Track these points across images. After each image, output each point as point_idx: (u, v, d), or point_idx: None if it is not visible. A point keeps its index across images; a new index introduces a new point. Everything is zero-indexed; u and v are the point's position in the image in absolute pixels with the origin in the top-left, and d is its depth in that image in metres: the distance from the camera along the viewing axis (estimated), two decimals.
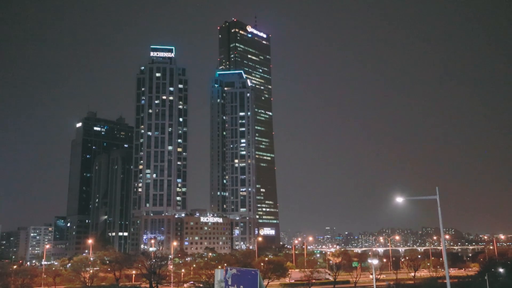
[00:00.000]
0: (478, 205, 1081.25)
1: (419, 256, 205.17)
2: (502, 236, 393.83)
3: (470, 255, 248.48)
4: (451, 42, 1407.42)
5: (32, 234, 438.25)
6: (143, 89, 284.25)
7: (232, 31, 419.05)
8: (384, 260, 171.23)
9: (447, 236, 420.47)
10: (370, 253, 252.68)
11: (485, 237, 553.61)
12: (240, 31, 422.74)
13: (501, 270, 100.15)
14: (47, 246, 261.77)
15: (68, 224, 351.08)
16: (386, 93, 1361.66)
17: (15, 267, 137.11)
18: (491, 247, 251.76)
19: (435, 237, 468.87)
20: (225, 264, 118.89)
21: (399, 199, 33.62)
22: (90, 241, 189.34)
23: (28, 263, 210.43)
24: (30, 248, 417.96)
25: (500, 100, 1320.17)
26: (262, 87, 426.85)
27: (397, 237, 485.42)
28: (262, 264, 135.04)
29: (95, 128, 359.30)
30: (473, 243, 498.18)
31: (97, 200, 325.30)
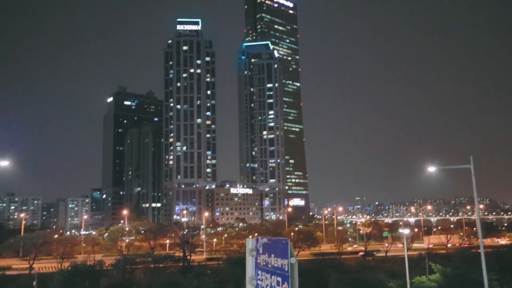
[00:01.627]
0: None
1: (452, 226, 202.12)
2: None
3: (506, 224, 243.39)
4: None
5: (70, 206, 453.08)
6: (170, 63, 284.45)
7: (258, 1, 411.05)
8: (416, 229, 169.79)
9: (481, 206, 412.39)
10: (401, 223, 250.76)
11: None
12: (266, 1, 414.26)
13: None
14: (85, 217, 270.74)
15: (104, 196, 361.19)
16: (415, 64, 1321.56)
17: (56, 236, 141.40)
18: None
19: (468, 207, 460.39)
20: (256, 234, 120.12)
21: (432, 169, 32.93)
22: (125, 212, 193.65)
23: (68, 232, 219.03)
24: (69, 219, 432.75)
25: None
26: (289, 58, 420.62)
27: (429, 207, 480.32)
28: (292, 234, 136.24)
29: (126, 103, 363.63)
30: (509, 213, 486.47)
31: (130, 173, 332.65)
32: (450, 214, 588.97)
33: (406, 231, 65.83)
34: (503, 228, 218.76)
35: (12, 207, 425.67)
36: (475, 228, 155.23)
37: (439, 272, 70.18)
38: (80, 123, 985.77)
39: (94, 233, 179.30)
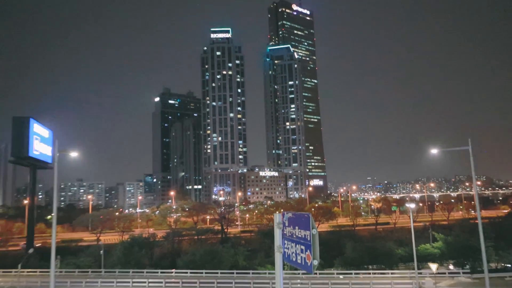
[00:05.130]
0: (509, 153, 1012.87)
1: (452, 201, 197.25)
2: None
3: (501, 198, 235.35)
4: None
5: (127, 188, 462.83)
6: (206, 66, 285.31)
7: (279, 10, 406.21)
8: (420, 204, 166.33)
9: (478, 182, 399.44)
10: (407, 198, 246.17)
11: None
12: (287, 10, 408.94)
13: None
14: (140, 198, 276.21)
15: (154, 180, 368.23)
16: (419, 60, 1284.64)
17: (117, 213, 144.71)
18: None
19: (467, 183, 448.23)
20: (282, 210, 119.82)
21: (434, 151, 32.16)
22: (172, 193, 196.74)
23: (126, 210, 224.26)
24: (127, 199, 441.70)
25: None
26: (307, 58, 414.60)
27: (432, 184, 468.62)
28: (312, 209, 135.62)
29: (170, 101, 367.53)
30: (503, 188, 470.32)
31: (175, 160, 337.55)
32: (451, 190, 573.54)
33: (412, 206, 64.65)
34: (499, 201, 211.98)
35: (81, 190, 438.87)
36: (473, 202, 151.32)
37: (441, 240, 68.88)
38: (134, 119, 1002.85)
39: (147, 211, 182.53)
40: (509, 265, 64.39)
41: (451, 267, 63.70)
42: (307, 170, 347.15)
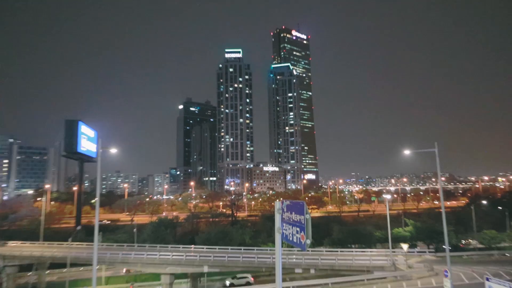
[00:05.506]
0: (468, 153, 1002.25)
1: (421, 193, 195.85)
2: (485, 178, 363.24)
3: (461, 192, 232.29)
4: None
5: (156, 179, 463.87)
6: (221, 80, 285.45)
7: (281, 35, 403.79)
8: (395, 195, 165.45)
9: (442, 178, 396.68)
10: (384, 190, 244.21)
11: (472, 178, 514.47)
12: (287, 35, 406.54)
13: (484, 202, 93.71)
14: (166, 187, 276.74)
15: (178, 172, 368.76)
16: (395, 77, 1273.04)
17: (147, 199, 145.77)
18: (477, 186, 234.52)
19: (433, 179, 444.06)
20: (281, 198, 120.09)
21: (406, 152, 31.99)
22: (192, 183, 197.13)
23: (155, 197, 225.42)
24: (155, 188, 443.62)
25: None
26: (304, 75, 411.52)
27: (404, 179, 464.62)
28: (306, 198, 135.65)
29: (191, 109, 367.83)
30: (463, 183, 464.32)
31: (195, 157, 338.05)
32: (420, 184, 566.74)
33: (388, 197, 64.39)
34: (459, 194, 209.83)
35: (119, 180, 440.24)
36: (438, 194, 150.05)
37: (411, 225, 68.49)
38: (162, 123, 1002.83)
39: (172, 197, 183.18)
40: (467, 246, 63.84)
41: (419, 247, 63.33)
42: (303, 166, 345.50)
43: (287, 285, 41.50)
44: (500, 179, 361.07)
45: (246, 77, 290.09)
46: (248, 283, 48.93)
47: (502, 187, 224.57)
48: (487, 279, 22.86)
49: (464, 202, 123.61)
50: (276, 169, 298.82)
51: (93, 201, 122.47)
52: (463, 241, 66.11)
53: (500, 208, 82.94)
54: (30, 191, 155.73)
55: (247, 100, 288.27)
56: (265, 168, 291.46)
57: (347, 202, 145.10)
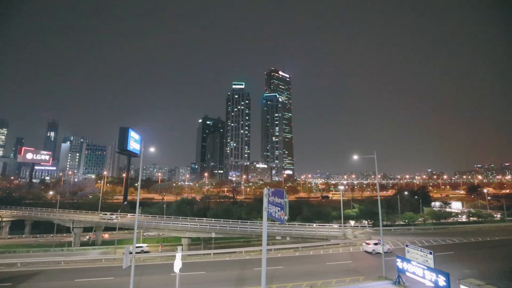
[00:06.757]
0: (397, 157, 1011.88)
1: (364, 185, 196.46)
2: (407, 176, 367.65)
3: (391, 185, 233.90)
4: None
5: (180, 170, 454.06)
6: (229, 103, 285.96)
7: (272, 74, 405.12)
8: (346, 187, 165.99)
9: (379, 175, 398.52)
10: (339, 183, 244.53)
11: (398, 176, 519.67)
12: (276, 74, 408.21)
13: (406, 193, 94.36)
14: (187, 176, 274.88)
15: (196, 166, 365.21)
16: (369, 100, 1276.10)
17: (174, 184, 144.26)
18: (401, 181, 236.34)
19: (373, 176, 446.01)
20: (268, 187, 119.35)
21: (355, 156, 32.21)
22: (206, 175, 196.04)
23: (180, 183, 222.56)
24: (180, 177, 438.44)
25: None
26: (286, 101, 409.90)
27: (353, 175, 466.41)
28: (285, 187, 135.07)
29: (207, 122, 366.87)
30: (392, 179, 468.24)
31: (208, 156, 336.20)
32: (364, 179, 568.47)
33: (341, 188, 64.83)
34: (389, 187, 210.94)
35: (155, 170, 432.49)
36: (376, 187, 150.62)
37: (357, 208, 68.52)
38: (186, 131, 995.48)
39: (191, 184, 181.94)
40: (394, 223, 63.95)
41: (362, 223, 63.39)
42: (283, 164, 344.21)
43: (270, 247, 41.14)
44: (417, 177, 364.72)
45: (246, 101, 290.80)
46: (143, 251, 42.62)
47: (418, 182, 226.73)
48: (406, 245, 23.25)
49: (392, 192, 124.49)
50: (265, 166, 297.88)
51: (136, 184, 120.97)
52: (391, 220, 66.32)
53: (416, 197, 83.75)
54: (93, 176, 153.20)
55: (246, 118, 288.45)
56: (257, 165, 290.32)
57: (313, 190, 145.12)
